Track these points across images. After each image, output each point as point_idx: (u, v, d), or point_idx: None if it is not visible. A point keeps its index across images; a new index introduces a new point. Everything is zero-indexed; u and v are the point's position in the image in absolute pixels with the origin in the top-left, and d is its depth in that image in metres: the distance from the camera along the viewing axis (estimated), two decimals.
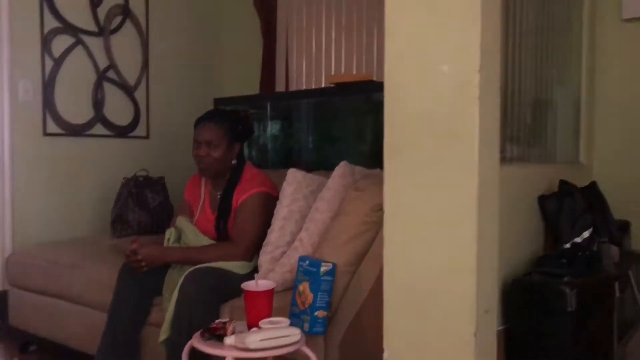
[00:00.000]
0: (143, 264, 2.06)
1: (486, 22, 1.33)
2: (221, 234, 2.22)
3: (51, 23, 3.17)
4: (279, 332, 1.52)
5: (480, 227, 1.34)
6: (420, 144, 1.38)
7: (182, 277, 1.93)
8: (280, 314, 1.65)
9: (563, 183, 2.03)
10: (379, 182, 1.77)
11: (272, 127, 3.49)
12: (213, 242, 2.22)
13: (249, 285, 1.64)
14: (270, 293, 1.63)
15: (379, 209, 1.77)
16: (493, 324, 1.42)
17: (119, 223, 3.06)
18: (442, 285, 1.36)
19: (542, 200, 1.98)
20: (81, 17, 3.30)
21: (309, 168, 2.26)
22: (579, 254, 1.79)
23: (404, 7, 1.42)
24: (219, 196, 2.29)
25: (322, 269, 1.65)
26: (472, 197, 1.32)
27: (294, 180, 2.03)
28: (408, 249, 1.40)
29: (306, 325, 1.65)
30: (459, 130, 1.33)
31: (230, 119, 2.31)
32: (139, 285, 2.12)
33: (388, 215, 1.43)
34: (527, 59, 2.00)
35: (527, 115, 2.03)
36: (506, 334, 1.68)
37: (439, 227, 1.36)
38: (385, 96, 1.44)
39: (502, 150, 1.68)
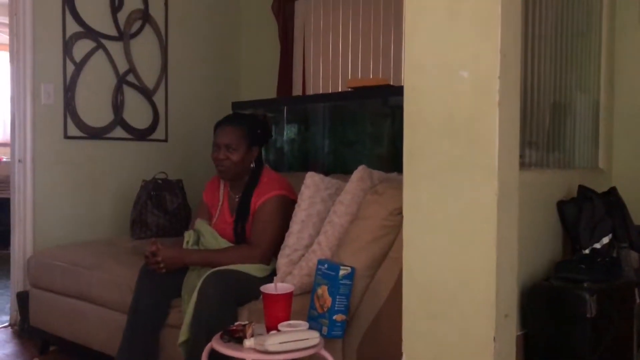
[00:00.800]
0: (162, 265, 2.08)
1: (506, 28, 1.34)
2: (239, 236, 2.24)
3: (73, 28, 3.23)
4: (298, 335, 1.53)
5: (500, 231, 1.34)
6: (439, 148, 1.39)
7: (202, 280, 1.94)
8: (298, 317, 1.66)
9: (582, 188, 2.02)
10: (398, 186, 1.78)
11: (289, 131, 3.51)
12: (231, 244, 2.24)
13: (268, 288, 1.66)
14: (289, 296, 1.64)
15: (398, 213, 1.78)
16: (512, 329, 1.43)
17: (138, 225, 3.09)
18: (461, 290, 1.36)
19: (561, 205, 1.97)
20: (102, 22, 3.35)
21: (325, 171, 2.27)
22: (599, 259, 1.78)
23: (423, 12, 1.43)
24: (237, 199, 2.31)
25: (341, 272, 1.66)
26: (492, 201, 1.33)
27: (312, 184, 2.04)
28: (427, 254, 1.41)
29: (325, 329, 1.66)
30: (479, 136, 1.34)
31: (249, 122, 2.33)
32: (158, 287, 2.14)
33: (407, 219, 1.44)
34: (546, 64, 2.00)
35: (546, 120, 2.03)
36: (525, 339, 1.68)
37: (458, 231, 1.36)
38: (405, 101, 1.45)
39: (521, 156, 1.68)
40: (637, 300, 1.71)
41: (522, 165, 1.63)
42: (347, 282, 1.68)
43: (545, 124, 2.01)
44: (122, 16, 3.44)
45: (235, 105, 3.47)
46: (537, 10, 1.90)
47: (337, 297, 1.66)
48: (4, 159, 5.44)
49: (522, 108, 1.67)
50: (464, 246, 1.36)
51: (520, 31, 1.44)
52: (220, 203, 2.37)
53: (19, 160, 3.10)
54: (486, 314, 1.34)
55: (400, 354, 1.47)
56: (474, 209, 1.34)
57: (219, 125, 2.31)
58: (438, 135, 1.39)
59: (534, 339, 1.67)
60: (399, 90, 2.87)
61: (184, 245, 2.26)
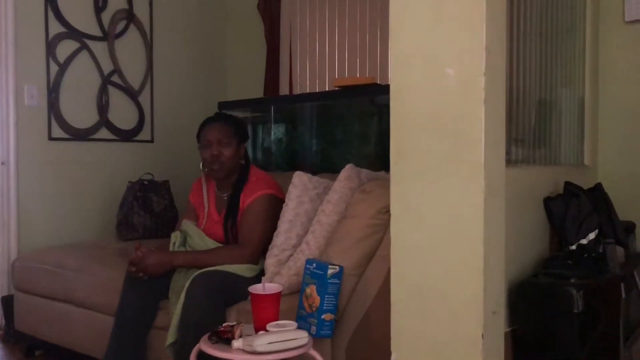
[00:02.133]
0: (141, 274, 2.06)
1: (491, 25, 1.34)
2: (229, 233, 2.23)
3: (56, 28, 3.19)
4: (286, 335, 1.53)
5: (487, 228, 1.34)
6: (426, 146, 1.39)
7: (189, 281, 1.93)
8: (287, 317, 1.65)
9: (568, 185, 2.03)
10: (385, 184, 1.78)
11: (276, 130, 3.50)
12: (219, 244, 2.23)
13: (256, 289, 1.65)
14: (277, 296, 1.63)
15: (386, 211, 1.78)
16: (501, 326, 1.43)
17: (125, 226, 3.07)
18: (449, 287, 1.36)
19: (548, 202, 1.98)
20: (86, 22, 3.32)
21: (313, 171, 2.27)
22: (585, 255, 1.79)
23: (408, 10, 1.43)
24: (225, 198, 2.30)
25: (329, 271, 1.65)
26: (479, 199, 1.33)
27: (300, 183, 2.04)
28: (415, 251, 1.41)
29: (313, 328, 1.65)
30: (465, 133, 1.34)
31: (234, 119, 2.36)
32: (144, 289, 2.12)
33: (395, 217, 1.44)
34: (531, 61, 2.01)
35: (532, 117, 2.04)
36: (514, 335, 1.68)
37: (445, 229, 1.36)
38: (391, 99, 1.45)
39: (507, 153, 1.68)
40: (623, 295, 1.72)
41: (509, 162, 1.63)
42: (336, 281, 1.67)
43: (531, 121, 2.02)
44: (106, 16, 3.42)
45: (222, 105, 3.46)
46: (522, 7, 1.91)
47: (326, 296, 1.65)
48: None
49: (508, 105, 1.68)
50: (451, 243, 1.36)
51: (505, 28, 1.44)
52: (206, 203, 2.35)
53: (2, 163, 3.06)
54: (474, 311, 1.34)
55: (390, 353, 1.47)
56: (461, 206, 1.34)
57: (206, 123, 2.30)
58: (424, 133, 1.39)
59: (522, 335, 1.68)
60: (385, 89, 2.86)
61: (171, 247, 2.25)
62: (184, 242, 2.29)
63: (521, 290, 1.69)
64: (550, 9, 2.14)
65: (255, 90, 3.95)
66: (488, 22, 1.32)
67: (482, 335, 1.33)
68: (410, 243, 1.42)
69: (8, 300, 2.92)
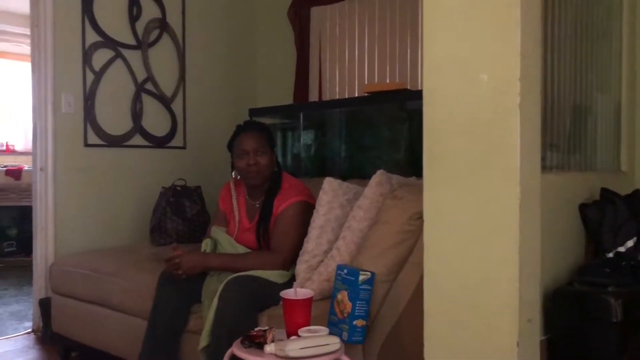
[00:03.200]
0: (180, 271, 2.09)
1: (526, 30, 1.33)
2: (262, 240, 2.24)
3: (92, 37, 3.27)
4: (318, 340, 1.53)
5: (522, 235, 1.32)
6: (460, 151, 1.38)
7: (222, 285, 1.95)
8: (318, 322, 1.66)
9: (604, 191, 1.99)
10: (417, 190, 1.77)
11: (306, 137, 3.52)
12: (249, 250, 2.24)
13: (288, 294, 1.66)
14: (309, 301, 1.64)
15: (418, 217, 1.77)
16: (536, 334, 1.41)
17: (158, 232, 3.11)
18: (484, 294, 1.35)
19: (583, 208, 1.95)
20: (120, 31, 3.40)
21: (342, 176, 2.27)
22: (623, 263, 1.75)
23: (441, 15, 1.42)
24: (257, 205, 2.31)
25: (361, 277, 1.65)
26: (514, 205, 1.31)
27: (331, 189, 2.04)
28: (449, 258, 1.40)
29: (345, 334, 1.65)
30: (500, 138, 1.32)
31: (265, 127, 2.37)
32: (178, 293, 2.15)
33: (428, 223, 1.43)
34: (566, 65, 1.98)
35: (567, 122, 2.00)
36: (549, 344, 1.65)
37: (480, 235, 1.35)
38: (424, 104, 1.44)
39: (542, 158, 1.66)
40: None
41: (543, 168, 1.61)
42: (367, 287, 1.67)
43: (565, 126, 1.99)
44: (140, 25, 3.49)
45: (252, 111, 3.49)
46: (557, 11, 1.89)
47: (357, 302, 1.65)
48: (26, 168, 5.52)
49: (542, 110, 1.65)
50: (486, 250, 1.34)
51: (540, 33, 1.42)
52: (236, 210, 2.37)
53: (41, 169, 3.15)
54: (509, 319, 1.32)
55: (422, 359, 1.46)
56: (496, 212, 1.33)
57: (239, 133, 2.31)
58: (458, 138, 1.38)
59: (557, 344, 1.65)
60: (416, 94, 2.88)
61: None
62: (214, 249, 2.31)
63: (556, 298, 1.66)
64: (585, 13, 2.11)
65: (285, 96, 3.98)
66: (523, 26, 1.31)
67: (517, 344, 1.31)
68: (443, 250, 1.41)
69: (45, 303, 2.98)
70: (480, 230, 1.35)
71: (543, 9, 1.64)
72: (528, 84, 1.34)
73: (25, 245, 5.31)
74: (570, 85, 2.01)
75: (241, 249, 2.25)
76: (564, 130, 1.97)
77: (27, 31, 4.25)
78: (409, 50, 3.47)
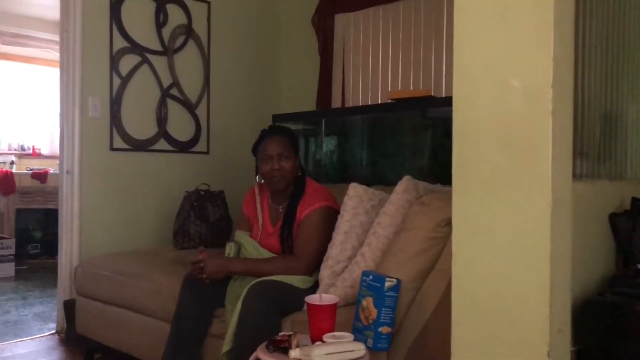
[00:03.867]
0: (204, 276, 2.09)
1: (559, 35, 1.31)
2: (285, 244, 2.24)
3: (119, 43, 3.32)
4: (344, 346, 1.52)
5: (554, 243, 1.30)
6: (490, 158, 1.36)
7: (245, 290, 1.95)
8: (341, 329, 1.64)
9: (636, 200, 1.95)
10: (444, 197, 1.76)
11: (329, 143, 3.52)
12: (274, 255, 2.24)
13: (312, 299, 1.65)
14: (333, 307, 1.63)
15: (445, 224, 1.76)
16: (567, 344, 1.38)
17: (181, 235, 3.13)
18: (513, 303, 1.33)
19: (614, 218, 1.91)
20: (147, 37, 3.44)
21: (365, 183, 2.26)
22: None
23: (473, 20, 1.41)
24: (281, 210, 2.32)
25: (387, 284, 1.64)
26: (545, 213, 1.29)
27: (356, 195, 2.04)
28: (478, 266, 1.38)
29: (370, 341, 1.64)
30: (532, 145, 1.30)
31: (290, 131, 2.36)
32: (201, 297, 2.15)
33: (457, 230, 1.41)
34: (596, 73, 1.95)
35: (597, 130, 1.97)
36: (578, 354, 1.62)
37: (510, 243, 1.33)
38: (454, 110, 1.43)
39: (573, 167, 1.63)
40: None
41: (573, 176, 1.58)
42: (393, 294, 1.65)
43: (596, 134, 1.95)
44: (166, 31, 3.53)
45: (276, 117, 3.51)
46: (588, 18, 1.86)
47: (383, 309, 1.64)
48: (51, 171, 5.60)
49: (573, 118, 1.63)
50: (516, 259, 1.32)
51: (573, 39, 1.40)
52: (260, 215, 2.37)
53: (67, 172, 3.19)
54: (540, 329, 1.29)
55: None
56: (527, 220, 1.31)
57: (264, 137, 2.31)
58: (489, 145, 1.36)
59: (588, 355, 1.61)
60: (441, 101, 2.87)
61: None
62: (237, 253, 2.31)
63: (587, 308, 1.63)
64: (617, 19, 2.08)
65: (308, 103, 3.99)
66: (556, 31, 1.29)
67: (548, 354, 1.28)
68: (472, 257, 1.39)
69: (70, 304, 3.02)
70: (510, 238, 1.33)
71: (575, 15, 1.62)
72: (560, 91, 1.32)
73: (49, 247, 5.40)
74: (600, 93, 1.98)
75: (265, 253, 2.25)
76: (594, 138, 1.94)
77: (56, 37, 4.34)
78: (433, 56, 3.45)
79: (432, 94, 3.08)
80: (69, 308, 3.02)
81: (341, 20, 3.89)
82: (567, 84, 1.37)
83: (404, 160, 3.17)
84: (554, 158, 1.30)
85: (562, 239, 1.35)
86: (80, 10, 3.16)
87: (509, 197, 1.33)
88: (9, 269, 4.88)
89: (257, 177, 2.36)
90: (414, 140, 3.15)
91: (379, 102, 3.70)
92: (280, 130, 2.34)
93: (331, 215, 2.17)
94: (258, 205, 2.39)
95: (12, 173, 5.42)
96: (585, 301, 1.64)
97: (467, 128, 1.40)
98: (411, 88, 3.53)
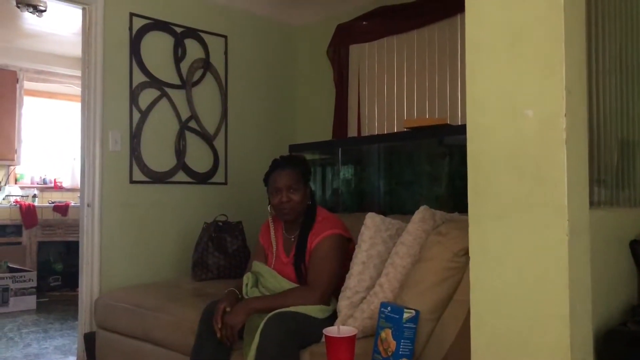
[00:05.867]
0: (230, 342, 2.06)
1: (570, 64, 1.32)
2: (301, 276, 2.24)
3: (139, 78, 3.40)
4: None
5: (572, 273, 1.29)
6: (506, 187, 1.36)
7: (263, 322, 1.95)
8: None
9: None
10: (461, 226, 1.75)
11: (345, 172, 3.53)
12: (292, 284, 2.24)
13: (330, 331, 1.64)
14: (352, 339, 1.62)
15: (463, 254, 1.75)
16: None
17: (200, 267, 3.15)
18: (533, 335, 1.31)
19: (635, 245, 1.88)
20: (166, 71, 3.52)
21: (382, 211, 2.26)
22: None
23: (484, 51, 1.42)
24: (292, 239, 2.32)
25: (405, 315, 1.62)
26: (563, 242, 1.28)
27: (373, 225, 2.04)
28: (496, 296, 1.37)
29: None
30: (547, 174, 1.30)
31: (300, 162, 2.38)
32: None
33: (474, 261, 1.41)
34: (611, 99, 1.94)
35: (614, 157, 1.96)
36: None
37: (528, 273, 1.32)
38: (468, 141, 1.43)
39: (590, 194, 1.62)
40: None
41: (591, 204, 1.57)
42: (412, 325, 1.64)
43: (613, 160, 1.94)
44: (184, 65, 3.61)
45: (292, 147, 3.54)
46: (600, 43, 1.87)
47: (402, 341, 1.62)
48: (72, 204, 5.69)
49: (589, 145, 1.62)
50: (535, 288, 1.31)
51: (585, 67, 1.41)
52: (274, 245, 2.38)
53: (88, 205, 3.24)
54: (561, 359, 1.27)
55: None
56: (544, 249, 1.30)
57: (274, 170, 2.34)
58: (504, 174, 1.36)
59: None
60: (457, 130, 2.88)
61: (244, 288, 2.28)
62: (256, 283, 2.32)
63: (610, 339, 1.59)
64: (629, 44, 2.08)
65: (324, 132, 4.03)
66: (567, 61, 1.30)
67: None
68: (490, 288, 1.38)
69: (90, 337, 3.03)
70: (528, 268, 1.32)
71: (587, 42, 1.63)
72: (574, 120, 1.32)
73: (70, 279, 5.45)
74: (617, 118, 1.97)
75: (283, 281, 2.25)
76: (611, 165, 1.93)
77: (77, 72, 4.45)
78: (448, 85, 3.48)
79: (448, 122, 3.09)
80: (89, 341, 3.04)
81: (356, 50, 3.94)
82: (580, 112, 1.37)
83: (420, 188, 3.17)
84: (570, 187, 1.29)
85: (580, 268, 1.33)
86: (101, 46, 3.25)
87: (525, 226, 1.33)
88: (31, 301, 4.93)
89: (269, 207, 2.38)
90: (430, 168, 3.16)
91: (395, 130, 3.73)
92: (291, 162, 2.36)
93: (341, 243, 2.18)
94: (272, 235, 2.40)
95: (34, 206, 5.51)
96: (608, 331, 1.60)
97: (481, 158, 1.40)
98: (427, 116, 3.54)
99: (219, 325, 2.08)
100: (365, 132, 3.88)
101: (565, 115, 1.29)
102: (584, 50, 1.40)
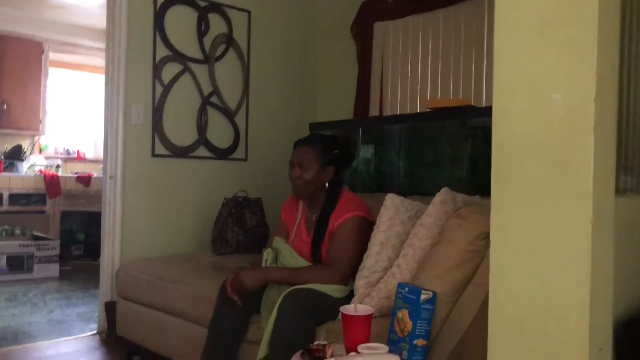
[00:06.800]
0: (236, 298, 2.11)
1: (603, 49, 1.28)
2: (316, 256, 2.25)
3: (162, 52, 3.40)
4: (378, 358, 1.52)
5: (595, 260, 1.28)
6: (530, 173, 1.34)
7: (281, 297, 1.97)
8: (376, 340, 1.64)
9: None
10: (482, 209, 1.74)
11: (365, 151, 3.52)
12: (309, 263, 2.26)
13: (348, 310, 1.65)
14: (369, 318, 1.63)
15: (483, 237, 1.74)
16: None
17: (219, 241, 3.18)
18: (552, 321, 1.30)
19: None
20: (189, 45, 3.52)
21: (402, 192, 2.25)
22: None
23: (513, 32, 1.40)
24: (314, 218, 2.33)
25: (422, 297, 1.63)
26: (586, 229, 1.27)
27: (392, 206, 2.03)
28: (516, 282, 1.36)
29: (405, 353, 1.63)
30: (573, 161, 1.28)
31: (325, 142, 2.34)
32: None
33: (495, 245, 1.40)
34: None
35: None
36: None
37: (550, 259, 1.31)
38: (493, 124, 1.41)
39: (616, 181, 1.60)
40: None
41: (617, 191, 1.55)
42: (429, 307, 1.64)
43: None
44: (207, 40, 3.60)
45: (313, 126, 3.53)
46: (635, 26, 1.82)
47: (418, 321, 1.63)
48: (95, 175, 5.77)
49: (617, 131, 1.59)
50: (556, 275, 1.30)
51: (618, 52, 1.38)
52: (297, 221, 2.40)
53: (110, 177, 3.28)
54: (579, 347, 1.27)
55: None
56: (567, 236, 1.28)
57: (296, 144, 2.35)
58: (529, 160, 1.34)
59: None
60: (481, 111, 2.84)
61: (263, 264, 2.30)
62: (275, 259, 2.34)
63: (631, 327, 1.58)
64: None
65: (345, 111, 4.00)
66: (600, 45, 1.27)
67: None
68: (510, 273, 1.37)
69: (111, 306, 3.10)
70: (550, 254, 1.31)
71: (621, 25, 1.59)
72: (603, 105, 1.29)
73: (91, 249, 5.56)
74: None
75: (302, 261, 2.26)
76: (639, 152, 1.89)
77: (101, 45, 4.48)
78: (473, 66, 3.42)
79: (472, 104, 3.05)
80: (110, 310, 3.10)
81: (380, 28, 3.89)
82: (610, 98, 1.34)
83: (442, 170, 3.15)
84: (596, 174, 1.27)
85: (603, 256, 1.32)
86: (126, 20, 3.26)
87: (549, 212, 1.31)
88: (54, 269, 5.05)
89: None
90: (452, 150, 3.12)
91: (418, 111, 3.69)
92: (311, 139, 2.35)
93: (365, 225, 2.17)
94: (299, 211, 2.41)
95: (58, 176, 5.61)
96: (629, 320, 1.59)
97: (506, 143, 1.39)
98: (451, 97, 3.50)
99: (232, 285, 2.11)
100: (387, 112, 3.85)
101: (594, 100, 1.26)
102: (617, 33, 1.37)
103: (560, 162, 1.30)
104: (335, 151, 2.33)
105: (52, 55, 6.08)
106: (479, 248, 1.75)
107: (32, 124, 5.93)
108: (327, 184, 2.31)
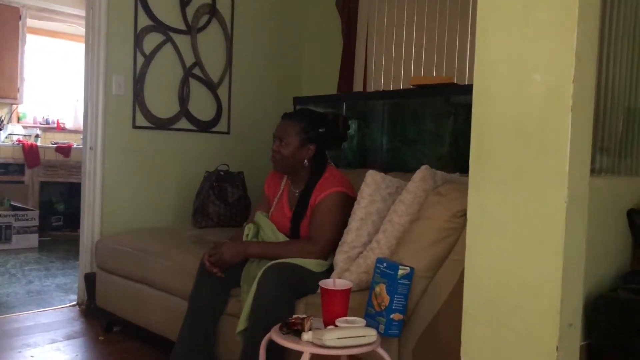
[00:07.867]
0: (215, 270, 2.13)
1: (583, 31, 1.30)
2: (295, 231, 2.27)
3: (144, 21, 3.34)
4: (355, 331, 1.55)
5: (568, 239, 1.31)
6: (508, 152, 1.36)
7: (261, 271, 1.98)
8: (354, 314, 1.67)
9: None
10: (461, 187, 1.76)
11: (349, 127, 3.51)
12: (289, 239, 2.27)
13: (326, 284, 1.68)
14: (347, 292, 1.65)
15: (461, 215, 1.77)
16: (576, 339, 1.39)
17: (200, 214, 3.18)
18: (525, 297, 1.34)
19: (632, 214, 1.90)
20: (171, 16, 3.46)
21: (384, 169, 2.26)
22: None
23: (496, 12, 1.40)
24: (297, 194, 2.34)
25: (400, 272, 1.66)
26: (561, 208, 1.30)
27: (373, 182, 2.05)
28: (491, 259, 1.39)
29: (381, 327, 1.66)
30: (550, 141, 1.31)
31: (310, 119, 2.30)
32: (218, 276, 2.20)
33: (472, 223, 1.43)
34: (621, 66, 1.92)
35: (619, 125, 1.95)
36: (588, 349, 1.63)
37: (524, 237, 1.34)
38: (474, 103, 1.43)
39: (592, 161, 1.63)
40: None
41: (592, 171, 1.58)
42: (406, 282, 1.67)
43: (618, 129, 1.94)
44: (190, 10, 3.54)
45: (297, 100, 3.51)
46: (615, 10, 1.83)
47: (395, 296, 1.66)
48: (75, 145, 5.70)
49: (594, 112, 1.62)
50: (529, 252, 1.33)
51: (597, 34, 1.39)
52: (279, 195, 2.40)
53: (90, 148, 3.25)
54: (550, 323, 1.31)
55: (458, 358, 1.46)
56: (542, 215, 1.31)
57: (282, 117, 2.34)
58: (507, 139, 1.36)
59: (598, 350, 1.62)
60: (464, 89, 2.86)
61: (244, 238, 2.31)
62: (256, 234, 2.34)
63: (599, 304, 1.63)
64: None
65: (329, 86, 3.99)
66: (580, 27, 1.28)
67: (557, 348, 1.30)
68: (486, 250, 1.40)
69: (90, 278, 3.10)
70: (525, 233, 1.34)
71: (601, 7, 1.60)
72: (581, 87, 1.31)
73: (71, 220, 5.52)
74: (625, 87, 1.96)
75: (282, 237, 2.28)
76: (615, 133, 1.92)
77: (81, 12, 4.37)
78: (457, 43, 3.42)
79: (455, 82, 3.06)
80: (90, 281, 3.10)
81: (366, 3, 3.86)
82: (589, 80, 1.36)
83: (424, 147, 3.17)
84: (572, 154, 1.30)
85: (576, 235, 1.35)
86: None
87: (525, 192, 1.34)
88: (33, 239, 5.01)
89: None
90: (434, 127, 3.14)
91: (401, 87, 3.69)
92: (295, 115, 2.34)
93: (347, 202, 2.18)
94: (282, 185, 2.41)
95: (37, 146, 5.52)
96: (598, 297, 1.64)
97: (486, 121, 1.40)
98: (434, 74, 3.50)
99: (210, 259, 2.13)
100: (371, 88, 3.84)
101: (573, 81, 1.28)
102: (597, 16, 1.38)
103: (537, 142, 1.32)
104: (321, 130, 2.31)
105: (30, 22, 5.93)
106: (457, 225, 1.78)
107: (10, 92, 5.80)
108: (307, 162, 2.29)
